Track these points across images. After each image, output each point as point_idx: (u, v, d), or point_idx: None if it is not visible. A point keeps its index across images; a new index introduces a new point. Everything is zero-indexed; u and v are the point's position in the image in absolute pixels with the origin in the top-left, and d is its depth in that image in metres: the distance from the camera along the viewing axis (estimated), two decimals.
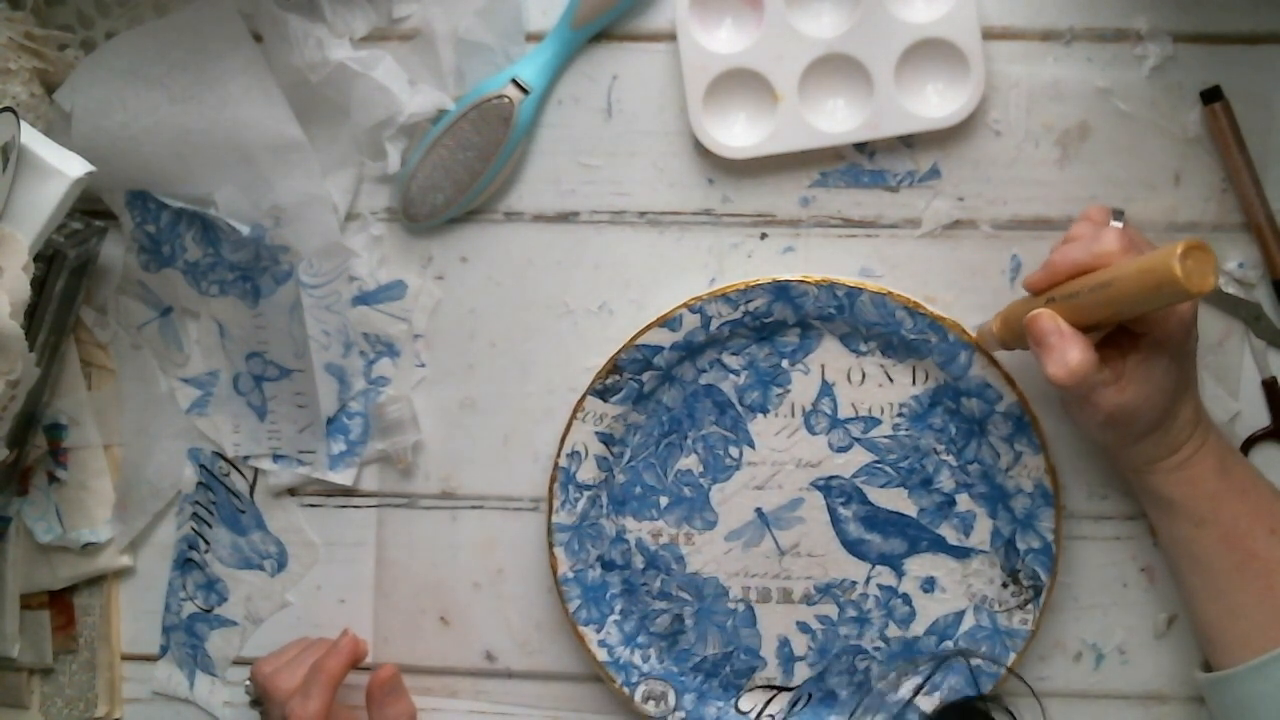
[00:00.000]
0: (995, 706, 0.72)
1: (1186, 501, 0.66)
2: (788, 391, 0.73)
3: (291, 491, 0.77)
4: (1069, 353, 0.60)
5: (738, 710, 0.74)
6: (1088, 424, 0.65)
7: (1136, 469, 0.67)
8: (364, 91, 0.71)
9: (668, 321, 0.72)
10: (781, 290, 0.71)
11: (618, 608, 0.75)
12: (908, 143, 0.72)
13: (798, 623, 0.74)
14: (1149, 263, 0.56)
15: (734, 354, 0.73)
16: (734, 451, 0.74)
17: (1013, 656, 0.72)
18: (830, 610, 0.74)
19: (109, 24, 0.74)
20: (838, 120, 0.71)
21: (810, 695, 0.74)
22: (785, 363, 0.73)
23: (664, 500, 0.74)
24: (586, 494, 0.74)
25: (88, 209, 0.74)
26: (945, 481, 0.73)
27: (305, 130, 0.72)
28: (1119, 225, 0.63)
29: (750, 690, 0.75)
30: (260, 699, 0.72)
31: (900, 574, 0.73)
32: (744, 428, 0.73)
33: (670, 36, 0.72)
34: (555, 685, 0.77)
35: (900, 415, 0.73)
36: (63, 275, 0.72)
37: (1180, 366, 0.63)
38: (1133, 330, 0.63)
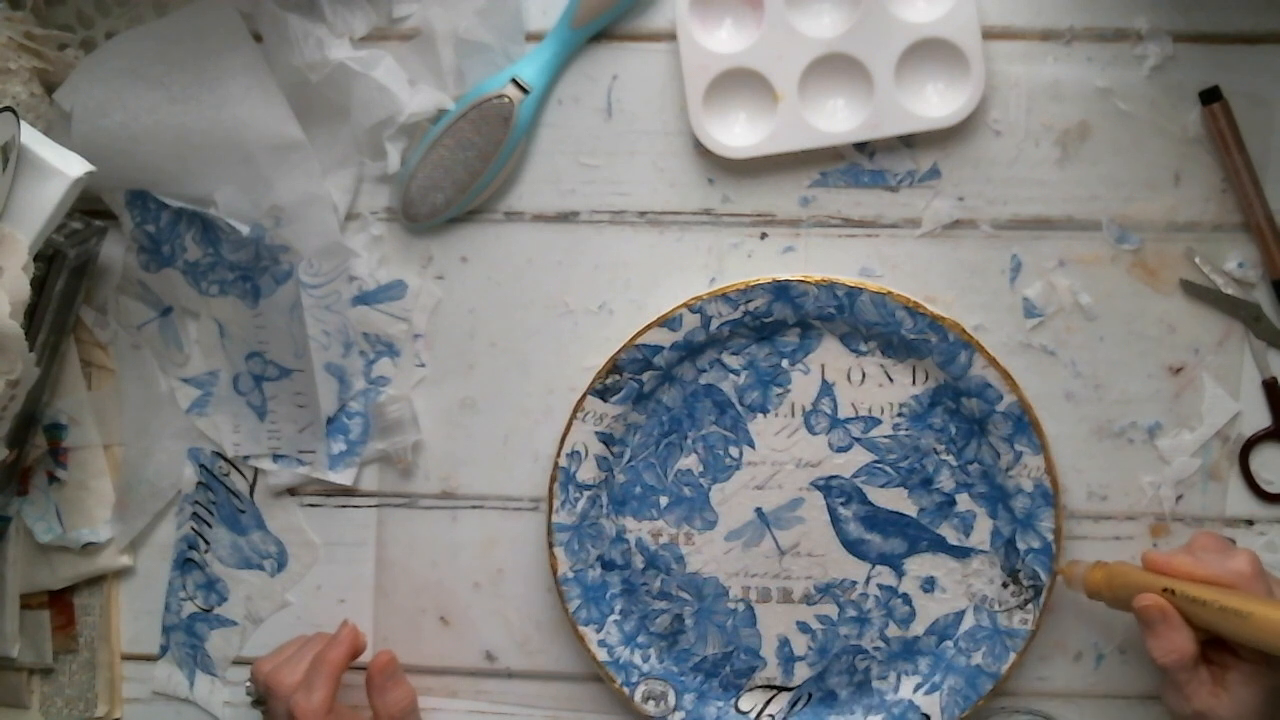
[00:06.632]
0: None
1: None
2: (788, 391, 0.73)
3: (291, 491, 0.77)
4: (1177, 641, 0.62)
5: (738, 710, 0.74)
6: (1177, 713, 0.65)
7: None
8: (364, 91, 0.71)
9: (668, 321, 0.72)
10: (781, 290, 0.71)
11: (618, 608, 0.75)
12: (908, 143, 0.72)
13: (798, 623, 0.74)
14: None
15: (734, 354, 0.73)
16: (734, 451, 0.74)
17: (1012, 656, 0.72)
18: (830, 610, 0.74)
19: (109, 24, 0.74)
20: (838, 120, 0.71)
21: (810, 695, 0.74)
22: (785, 363, 0.73)
23: (664, 500, 0.74)
24: (586, 494, 0.74)
25: (88, 209, 0.74)
26: (945, 481, 0.73)
27: (305, 130, 0.72)
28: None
29: (750, 690, 0.75)
30: (263, 697, 0.71)
31: (900, 574, 0.73)
32: (744, 428, 0.73)
33: (670, 36, 0.72)
34: (555, 685, 0.77)
35: (900, 415, 0.73)
36: (63, 275, 0.72)
37: (1278, 695, 0.63)
38: (1235, 649, 0.63)
